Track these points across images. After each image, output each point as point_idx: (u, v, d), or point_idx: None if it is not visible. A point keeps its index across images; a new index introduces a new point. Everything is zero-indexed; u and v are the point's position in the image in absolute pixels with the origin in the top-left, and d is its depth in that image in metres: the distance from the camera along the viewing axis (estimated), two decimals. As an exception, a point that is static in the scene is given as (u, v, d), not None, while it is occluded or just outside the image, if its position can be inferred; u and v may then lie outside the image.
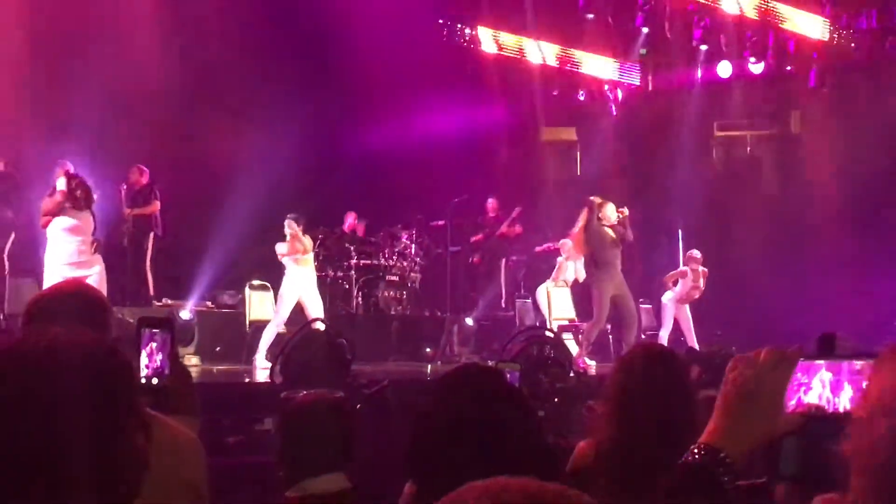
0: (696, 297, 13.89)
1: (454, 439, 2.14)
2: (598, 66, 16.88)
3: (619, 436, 3.26)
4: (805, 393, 1.61)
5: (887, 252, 15.37)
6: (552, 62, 16.47)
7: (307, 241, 11.95)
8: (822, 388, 1.61)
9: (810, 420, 1.60)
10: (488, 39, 16.03)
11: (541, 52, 16.38)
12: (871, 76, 15.58)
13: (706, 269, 14.00)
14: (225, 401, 8.02)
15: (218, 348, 12.23)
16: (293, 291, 11.61)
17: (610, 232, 11.74)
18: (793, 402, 1.62)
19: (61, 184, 10.37)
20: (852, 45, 14.93)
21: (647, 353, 3.49)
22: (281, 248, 11.77)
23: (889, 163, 16.58)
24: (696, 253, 14.21)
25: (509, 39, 16.02)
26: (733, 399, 1.66)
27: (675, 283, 13.98)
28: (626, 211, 11.95)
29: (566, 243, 13.18)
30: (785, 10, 14.67)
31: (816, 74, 15.32)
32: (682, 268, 14.21)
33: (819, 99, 16.15)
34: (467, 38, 16.18)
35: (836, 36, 14.71)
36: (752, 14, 14.49)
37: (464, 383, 2.32)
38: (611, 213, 11.79)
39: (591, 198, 12.05)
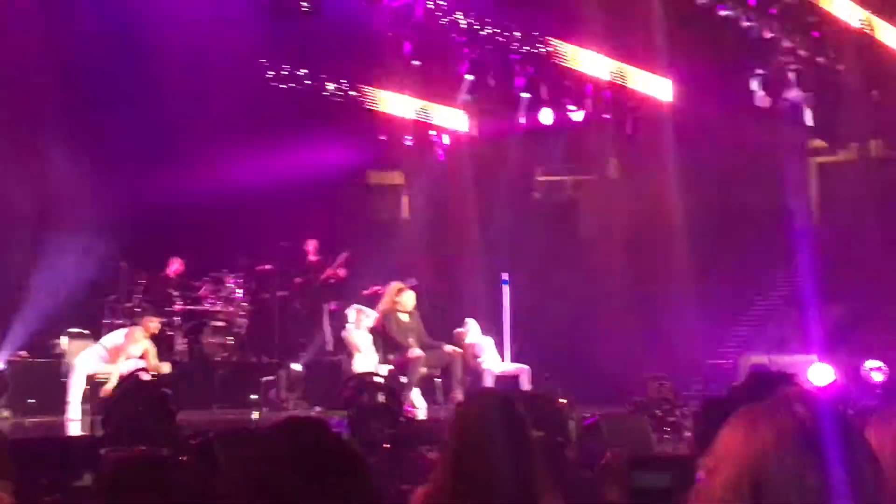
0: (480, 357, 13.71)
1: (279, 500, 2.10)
2: (423, 111, 17.07)
3: (453, 483, 3.27)
4: None
5: (700, 291, 16.07)
6: (381, 107, 16.59)
7: (139, 347, 11.57)
8: None
9: None
10: (316, 82, 15.99)
11: (370, 96, 16.48)
12: (681, 124, 16.31)
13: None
14: (40, 456, 7.66)
15: (32, 400, 11.69)
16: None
17: (404, 318, 12.09)
18: None
19: None
20: (666, 95, 15.63)
21: (483, 400, 3.52)
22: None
23: (698, 207, 17.40)
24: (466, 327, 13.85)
25: (335, 83, 16.03)
26: None
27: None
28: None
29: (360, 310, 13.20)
30: (603, 60, 15.23)
31: (632, 122, 15.92)
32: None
33: (635, 146, 16.81)
34: (292, 81, 16.06)
35: (651, 86, 15.37)
36: (573, 65, 14.99)
37: (285, 441, 2.26)
38: (408, 300, 12.11)
39: (394, 283, 12.41)
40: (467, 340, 13.32)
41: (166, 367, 11.77)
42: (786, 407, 1.61)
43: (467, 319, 13.77)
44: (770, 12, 13.04)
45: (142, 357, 11.40)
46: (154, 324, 11.82)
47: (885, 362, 13.83)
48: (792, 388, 3.15)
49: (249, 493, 2.19)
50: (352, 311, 13.10)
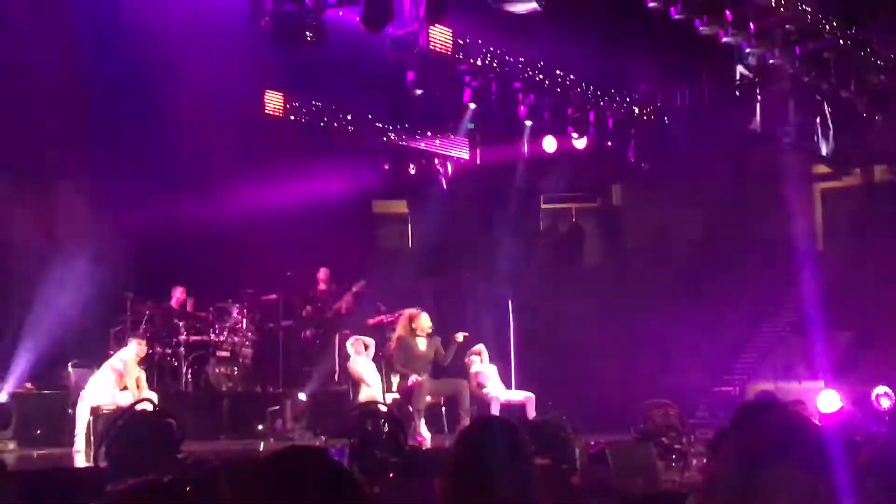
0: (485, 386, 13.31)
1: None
2: (427, 140, 17.14)
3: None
4: None
5: (705, 318, 16.04)
6: (384, 136, 16.67)
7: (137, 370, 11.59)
8: None
9: None
10: (316, 112, 16.05)
11: (374, 125, 16.55)
12: (684, 151, 16.34)
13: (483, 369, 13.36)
14: (46, 488, 7.66)
15: (38, 432, 11.70)
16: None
17: (421, 344, 12.08)
18: None
19: None
20: (667, 121, 15.68)
21: (485, 428, 3.49)
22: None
23: (702, 233, 17.42)
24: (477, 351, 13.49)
25: (339, 112, 16.10)
26: None
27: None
28: (460, 338, 12.28)
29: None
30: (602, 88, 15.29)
31: (635, 150, 15.95)
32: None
33: (638, 173, 16.83)
34: (297, 110, 16.10)
35: (651, 112, 15.44)
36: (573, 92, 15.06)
37: (283, 470, 2.25)
38: (424, 323, 12.14)
39: (407, 310, 12.43)
40: (473, 369, 13.29)
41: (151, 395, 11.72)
42: (775, 428, 1.64)
43: (475, 347, 13.66)
44: (771, 38, 13.06)
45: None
46: (141, 347, 11.78)
47: (892, 388, 13.78)
48: (784, 412, 3.16)
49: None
50: (350, 342, 13.12)
